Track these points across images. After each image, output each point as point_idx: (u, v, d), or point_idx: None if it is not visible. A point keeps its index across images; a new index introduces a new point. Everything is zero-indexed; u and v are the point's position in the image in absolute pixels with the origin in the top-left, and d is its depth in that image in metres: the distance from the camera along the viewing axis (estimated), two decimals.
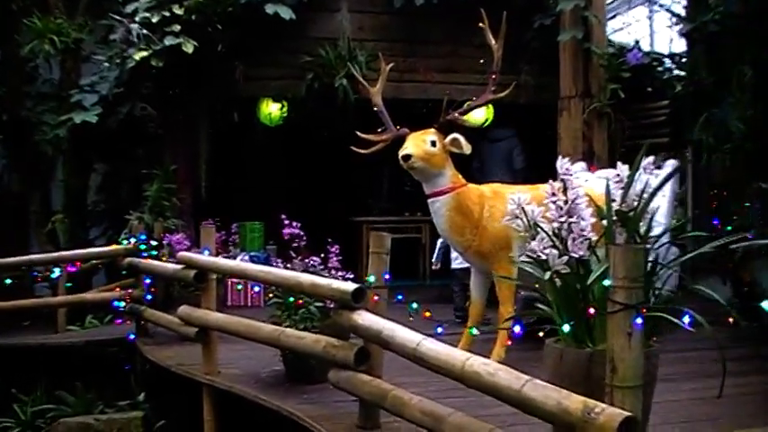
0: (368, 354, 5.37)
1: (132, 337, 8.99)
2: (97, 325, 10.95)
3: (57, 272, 10.09)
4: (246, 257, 10.11)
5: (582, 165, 9.19)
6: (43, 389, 9.42)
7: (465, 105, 7.54)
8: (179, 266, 7.46)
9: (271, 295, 7.00)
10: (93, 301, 10.22)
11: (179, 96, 11.10)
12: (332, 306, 6.01)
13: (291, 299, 6.67)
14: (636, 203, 4.33)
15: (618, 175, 4.50)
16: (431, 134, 7.18)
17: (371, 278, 5.48)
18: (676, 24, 11.77)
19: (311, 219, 12.09)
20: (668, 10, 12.30)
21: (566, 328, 4.11)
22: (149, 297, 9.13)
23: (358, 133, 7.51)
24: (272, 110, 12.07)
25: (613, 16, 15.08)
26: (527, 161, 11.74)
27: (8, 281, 9.92)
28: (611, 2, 14.32)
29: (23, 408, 9.23)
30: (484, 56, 11.88)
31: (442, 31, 12.12)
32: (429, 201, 7.23)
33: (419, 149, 7.00)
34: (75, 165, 12.73)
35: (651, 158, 4.59)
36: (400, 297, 5.62)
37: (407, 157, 6.94)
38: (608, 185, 4.42)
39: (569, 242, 4.32)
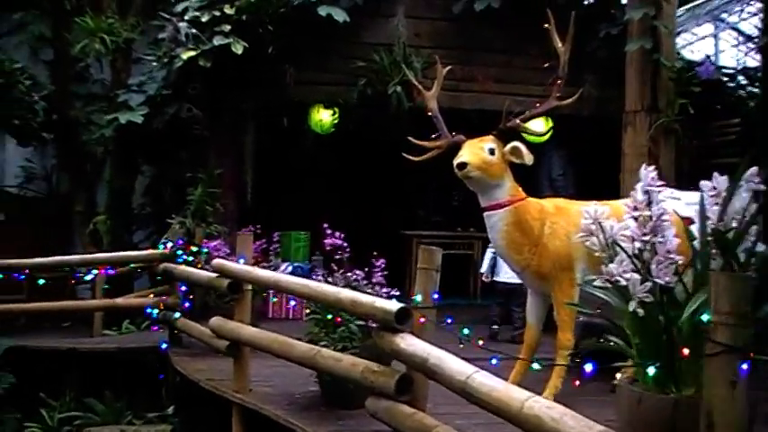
0: (410, 382, 4.66)
1: (165, 346, 8.35)
2: (133, 330, 10.35)
3: (91, 274, 9.45)
4: (289, 268, 9.43)
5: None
6: (72, 395, 8.87)
7: (527, 113, 6.76)
8: (213, 275, 6.81)
9: (308, 311, 6.28)
10: (124, 306, 9.60)
11: (226, 98, 10.50)
12: (374, 326, 5.33)
13: (330, 315, 5.97)
14: (735, 222, 3.55)
15: (714, 188, 3.71)
16: (489, 141, 6.46)
17: (418, 297, 4.76)
18: (744, 43, 10.91)
19: (359, 230, 11.52)
20: (735, 28, 11.49)
21: (650, 371, 3.33)
22: (187, 304, 8.51)
23: (411, 139, 6.78)
24: (323, 117, 11.41)
25: (678, 33, 14.22)
26: (564, 169, 11.08)
27: (41, 281, 9.32)
28: (678, 16, 13.45)
29: (51, 413, 8.71)
30: (541, 67, 11.34)
31: (499, 40, 11.39)
32: (485, 214, 6.49)
33: (476, 158, 6.28)
34: (121, 166, 12.18)
35: (755, 169, 3.78)
36: (450, 320, 4.88)
37: (463, 166, 6.21)
38: (702, 200, 3.65)
39: (653, 266, 3.56)
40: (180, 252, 8.37)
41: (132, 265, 10.17)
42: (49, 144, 13.38)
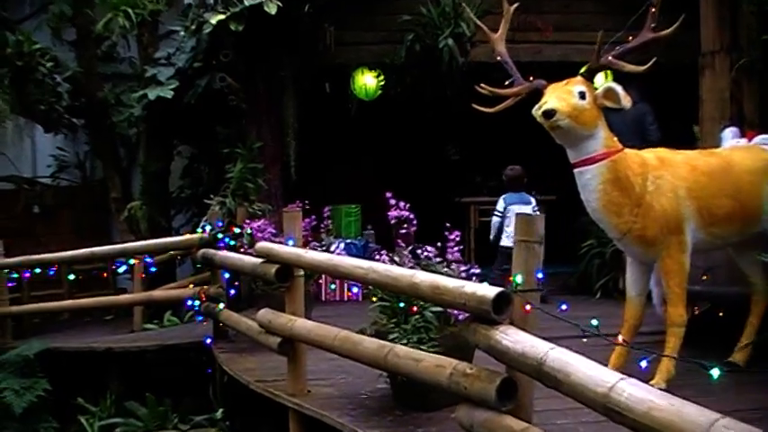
0: (515, 387, 3.49)
1: (209, 341, 7.27)
2: (176, 323, 9.33)
3: (121, 265, 8.39)
4: (341, 246, 8.28)
5: (734, 130, 7.08)
6: (112, 399, 7.87)
7: (618, 49, 5.53)
8: (258, 260, 5.68)
9: (374, 299, 5.10)
10: (161, 299, 8.53)
11: (262, 65, 9.39)
12: (456, 314, 4.20)
13: (402, 304, 4.82)
14: None
15: None
16: (578, 84, 5.27)
17: (519, 278, 3.60)
18: None
19: (411, 199, 10.66)
20: None
21: None
22: (232, 292, 7.42)
23: (482, 87, 5.60)
24: (367, 81, 10.25)
25: None
26: (661, 131, 9.77)
27: (71, 276, 8.31)
28: None
29: (90, 420, 7.77)
30: (604, 10, 10.11)
31: None
32: (576, 171, 5.30)
33: (565, 103, 5.08)
34: (154, 147, 11.07)
35: None
36: (565, 306, 3.72)
37: (551, 114, 5.02)
38: None
39: None
40: (220, 235, 7.25)
41: (170, 253, 9.08)
42: (79, 130, 12.41)
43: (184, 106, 9.61)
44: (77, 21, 11.40)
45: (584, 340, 3.70)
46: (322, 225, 7.89)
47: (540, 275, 3.64)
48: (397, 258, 5.08)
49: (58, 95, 10.53)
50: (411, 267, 4.86)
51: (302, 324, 5.18)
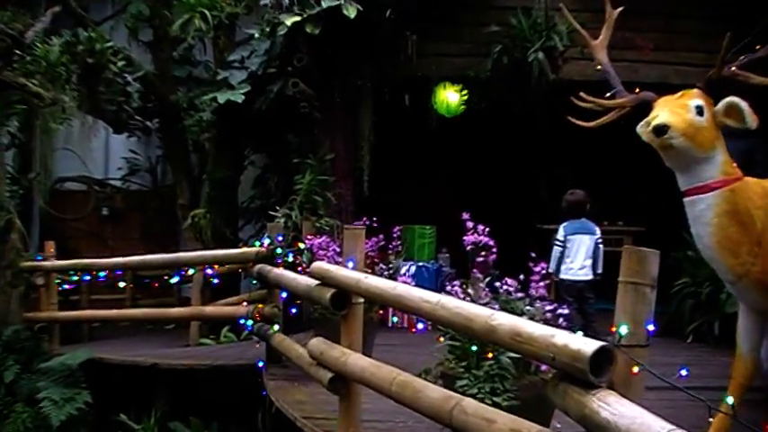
0: None
1: (261, 364, 6.54)
2: (233, 340, 8.65)
3: (176, 276, 7.73)
4: (412, 269, 7.48)
5: None
6: (157, 416, 7.19)
7: (742, 58, 4.65)
8: (313, 282, 4.93)
9: (441, 339, 4.29)
10: (213, 316, 7.83)
11: (338, 72, 8.69)
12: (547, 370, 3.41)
13: (475, 347, 4.02)
14: None
15: None
16: (695, 97, 4.42)
17: (623, 329, 2.78)
18: None
19: (491, 224, 9.73)
20: None
21: None
22: (294, 310, 6.68)
23: (582, 96, 4.80)
24: (449, 97, 9.47)
25: None
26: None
27: (121, 284, 7.70)
28: None
29: None
30: (707, 31, 9.20)
31: (656, 1, 9.17)
32: (687, 200, 4.43)
33: (680, 119, 4.24)
34: (223, 154, 10.39)
35: None
36: (685, 371, 2.88)
37: (662, 130, 4.18)
38: None
39: None
40: (279, 251, 6.53)
41: (228, 266, 8.40)
42: (152, 134, 11.92)
43: (255, 112, 8.96)
44: (154, 22, 10.87)
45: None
46: (391, 246, 7.07)
47: (651, 327, 2.83)
48: (471, 291, 4.27)
49: (127, 95, 10.00)
50: (486, 304, 4.06)
51: (357, 361, 4.40)
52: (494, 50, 8.64)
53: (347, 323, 4.66)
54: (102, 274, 8.78)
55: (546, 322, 4.00)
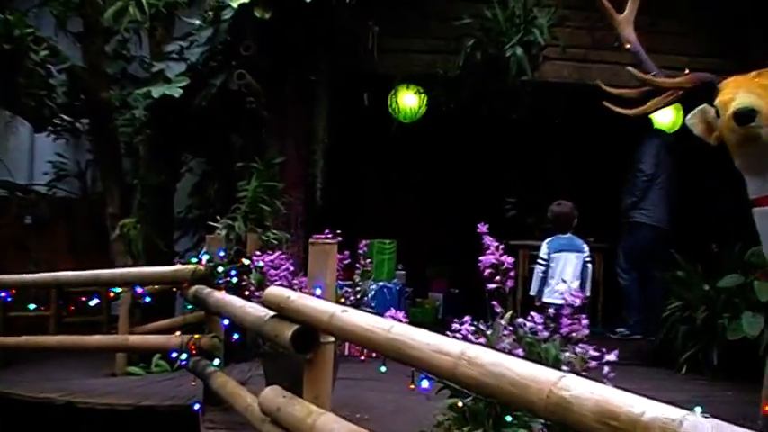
0: None
1: (197, 407, 5.19)
2: (166, 369, 7.26)
3: (96, 299, 6.30)
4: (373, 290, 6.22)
5: None
6: None
7: None
8: (266, 312, 3.62)
9: (459, 404, 3.00)
10: (139, 347, 6.41)
11: (290, 65, 7.38)
12: None
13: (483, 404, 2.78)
14: None
15: None
16: None
17: None
18: None
19: (454, 240, 8.76)
20: None
21: None
22: (236, 336, 5.35)
23: (631, 70, 3.61)
24: (406, 101, 8.23)
25: None
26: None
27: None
28: None
29: None
30: (690, 32, 8.20)
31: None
32: (760, 211, 3.25)
33: (766, 103, 3.05)
34: (158, 157, 8.97)
35: None
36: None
37: (749, 115, 3.05)
38: None
39: None
40: (221, 269, 5.21)
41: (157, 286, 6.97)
42: (82, 136, 10.46)
43: (195, 109, 7.61)
44: (84, 10, 9.42)
45: None
46: (358, 265, 5.73)
47: None
48: (487, 330, 3.03)
49: (50, 89, 8.55)
50: (510, 351, 2.84)
51: (329, 424, 3.09)
52: (466, 45, 7.44)
53: (313, 369, 3.36)
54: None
55: (588, 373, 2.81)
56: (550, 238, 6.79)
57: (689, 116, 3.48)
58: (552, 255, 6.66)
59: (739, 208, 8.78)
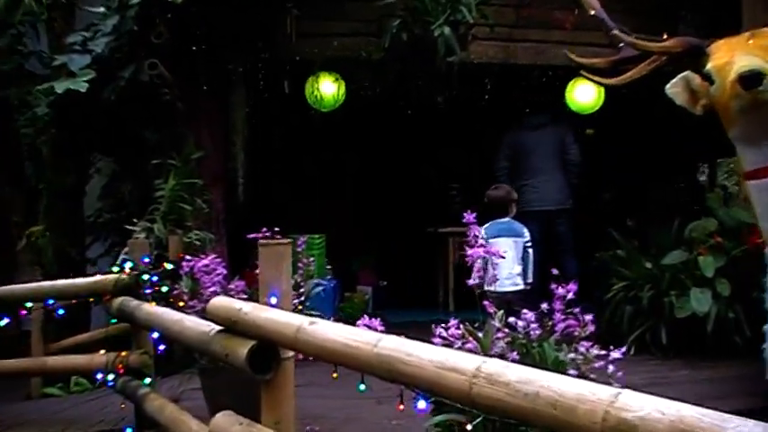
0: None
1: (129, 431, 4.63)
2: (87, 387, 6.62)
3: (5, 319, 5.58)
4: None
5: None
6: None
7: None
8: (212, 327, 3.12)
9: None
10: (58, 369, 5.75)
11: (206, 53, 6.80)
12: None
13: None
14: None
15: None
16: None
17: None
18: None
19: (381, 229, 9.05)
20: None
21: None
22: (162, 347, 4.78)
23: (615, 33, 3.24)
24: (323, 88, 7.73)
25: None
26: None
27: None
28: None
29: None
30: (619, 9, 7.95)
31: None
32: (756, 184, 2.92)
33: None
34: (64, 158, 8.23)
35: None
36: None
37: (756, 79, 2.67)
38: None
39: None
40: (146, 277, 4.65)
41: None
42: None
43: (103, 104, 6.96)
44: None
45: None
46: (302, 263, 5.21)
47: None
48: (481, 336, 2.60)
49: None
50: (502, 355, 2.42)
51: None
52: (392, 25, 6.98)
53: (273, 390, 2.86)
54: None
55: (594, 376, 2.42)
56: (488, 224, 6.42)
57: (669, 85, 3.13)
58: (491, 240, 6.29)
59: (645, 182, 8.78)
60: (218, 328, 3.06)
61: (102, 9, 7.45)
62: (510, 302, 5.83)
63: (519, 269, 6.01)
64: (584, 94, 8.41)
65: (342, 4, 7.39)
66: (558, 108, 8.32)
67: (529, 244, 6.37)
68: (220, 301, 3.10)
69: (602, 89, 8.33)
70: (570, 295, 2.77)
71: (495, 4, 7.44)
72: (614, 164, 9.63)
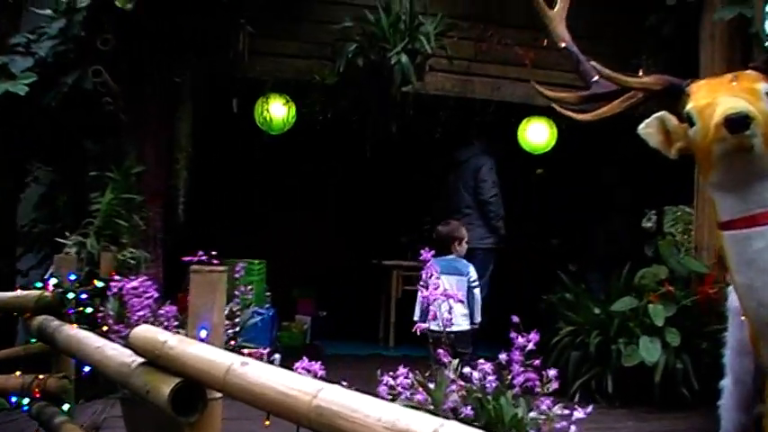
0: None
1: None
2: (4, 407, 6.14)
3: None
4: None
5: None
6: None
7: None
8: (134, 359, 2.78)
9: None
10: None
11: (153, 63, 6.47)
12: None
13: None
14: None
15: None
16: (760, 81, 2.72)
17: None
18: None
19: (324, 260, 8.78)
20: None
21: None
22: (87, 369, 4.39)
23: (594, 65, 3.02)
24: (273, 110, 7.44)
25: None
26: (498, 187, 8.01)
27: None
28: None
29: None
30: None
31: (525, 13, 7.60)
32: (734, 234, 2.75)
33: (757, 110, 2.50)
34: None
35: None
36: None
37: (743, 122, 2.45)
38: None
39: None
40: (71, 296, 4.28)
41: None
42: None
43: (44, 110, 6.58)
44: None
45: None
46: (237, 292, 4.83)
47: None
48: (433, 387, 2.31)
49: None
50: (455, 409, 2.14)
51: None
52: (347, 50, 6.75)
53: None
54: None
55: None
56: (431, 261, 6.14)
57: (643, 125, 2.91)
58: (454, 276, 6.05)
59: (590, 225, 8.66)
60: (141, 360, 2.73)
61: (49, 12, 7.10)
62: (453, 343, 5.59)
63: (463, 309, 5.74)
64: (536, 134, 8.26)
65: (297, 25, 7.16)
66: (482, 140, 8.14)
67: (475, 283, 6.13)
68: (144, 331, 2.76)
69: (555, 129, 8.20)
70: (531, 346, 2.51)
71: (455, 36, 7.25)
72: (562, 205, 9.50)
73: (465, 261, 6.23)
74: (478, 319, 5.93)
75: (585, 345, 6.39)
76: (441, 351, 2.54)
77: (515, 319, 2.64)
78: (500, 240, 7.94)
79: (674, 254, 6.63)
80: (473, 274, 6.14)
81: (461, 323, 5.62)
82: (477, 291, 6.13)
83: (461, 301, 5.66)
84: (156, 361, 2.59)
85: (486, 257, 7.66)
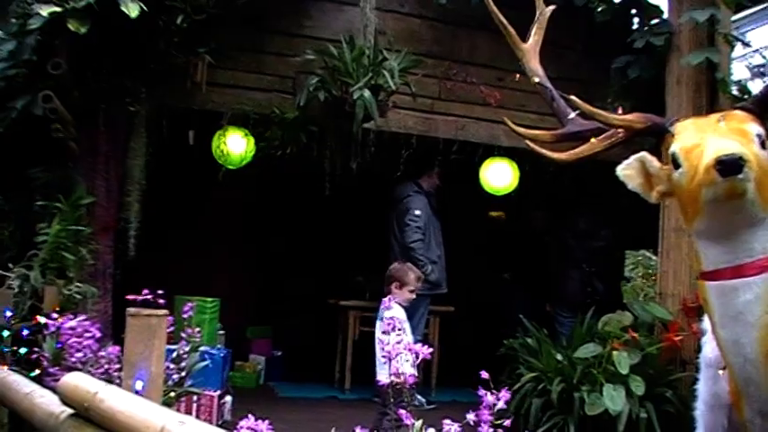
0: None
1: None
2: None
3: None
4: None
5: None
6: None
7: None
8: (63, 410, 2.47)
9: None
10: None
11: (107, 90, 6.17)
12: None
13: None
14: None
15: None
16: (749, 121, 2.53)
17: None
18: None
19: (277, 298, 8.76)
20: None
21: None
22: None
23: (574, 100, 2.78)
24: (230, 144, 7.15)
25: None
26: (424, 230, 7.80)
27: None
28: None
29: None
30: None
31: (487, 48, 7.46)
32: (721, 285, 2.54)
33: (750, 152, 2.30)
34: None
35: None
36: None
37: (737, 166, 2.23)
38: None
39: None
40: (6, 333, 3.95)
41: None
42: None
43: None
44: None
45: None
46: (186, 332, 4.48)
47: None
48: None
49: None
50: None
51: None
52: (309, 83, 6.52)
53: None
54: None
55: None
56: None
57: (621, 166, 2.70)
58: (377, 321, 5.76)
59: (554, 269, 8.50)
60: (71, 411, 2.43)
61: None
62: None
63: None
64: (498, 176, 8.08)
65: (258, 57, 6.93)
66: (417, 179, 8.02)
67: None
68: (74, 380, 2.46)
69: (518, 171, 8.03)
70: (501, 404, 2.26)
71: (419, 74, 7.07)
72: (520, 248, 9.35)
73: (386, 304, 5.86)
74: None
75: (548, 392, 6.15)
76: (404, 413, 2.27)
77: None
78: (433, 287, 7.65)
79: (638, 300, 6.48)
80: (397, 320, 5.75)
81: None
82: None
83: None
84: (86, 414, 2.30)
85: (417, 302, 7.06)
